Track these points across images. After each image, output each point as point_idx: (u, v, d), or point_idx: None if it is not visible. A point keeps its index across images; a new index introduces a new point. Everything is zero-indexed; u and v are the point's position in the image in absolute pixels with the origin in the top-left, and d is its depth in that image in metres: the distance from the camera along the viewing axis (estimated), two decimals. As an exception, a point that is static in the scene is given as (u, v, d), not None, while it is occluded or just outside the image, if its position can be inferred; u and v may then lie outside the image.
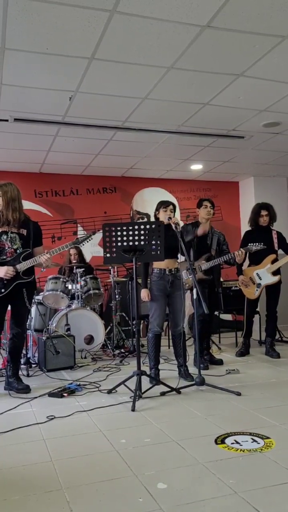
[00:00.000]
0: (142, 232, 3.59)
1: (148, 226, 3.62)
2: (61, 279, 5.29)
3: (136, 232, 3.58)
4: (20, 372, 3.98)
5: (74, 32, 3.09)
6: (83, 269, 5.53)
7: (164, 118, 4.76)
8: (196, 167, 6.73)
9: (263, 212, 5.13)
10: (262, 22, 3.03)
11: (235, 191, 7.83)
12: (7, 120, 4.61)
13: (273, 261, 5.00)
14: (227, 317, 6.65)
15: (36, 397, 3.59)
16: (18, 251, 3.75)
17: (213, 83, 3.95)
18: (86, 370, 4.60)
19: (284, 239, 5.21)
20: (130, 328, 5.90)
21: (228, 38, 3.22)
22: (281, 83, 3.98)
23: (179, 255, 4.12)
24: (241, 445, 2.49)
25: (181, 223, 4.33)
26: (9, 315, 3.88)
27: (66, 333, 4.91)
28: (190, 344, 4.96)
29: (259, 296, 5.11)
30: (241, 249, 4.62)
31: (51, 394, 3.63)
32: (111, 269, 5.77)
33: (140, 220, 7.11)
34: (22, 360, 4.40)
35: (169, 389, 3.59)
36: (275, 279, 4.99)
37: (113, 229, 3.59)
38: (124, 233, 3.58)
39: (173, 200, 7.15)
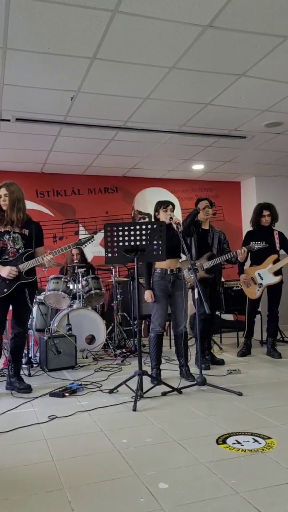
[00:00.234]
0: (143, 232, 3.59)
1: (149, 226, 3.62)
2: (62, 279, 5.30)
3: (138, 232, 3.58)
4: (21, 372, 3.98)
5: (76, 32, 3.09)
6: (85, 269, 5.53)
7: (165, 118, 4.76)
8: (198, 167, 6.73)
9: (265, 212, 5.13)
10: (264, 22, 3.03)
11: (237, 191, 7.82)
12: (9, 120, 4.62)
13: (275, 261, 5.00)
14: (229, 317, 6.65)
15: (37, 397, 3.59)
16: (20, 251, 3.76)
17: (215, 83, 3.95)
18: (87, 370, 4.60)
19: (286, 239, 5.20)
20: (131, 328, 5.90)
21: (230, 38, 3.22)
22: (283, 83, 3.97)
23: (181, 254, 4.12)
24: (242, 445, 2.49)
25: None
26: (10, 315, 3.89)
27: (68, 333, 4.91)
28: (191, 344, 4.96)
29: (261, 296, 5.11)
30: (243, 247, 4.61)
31: (52, 394, 3.63)
32: (113, 269, 5.77)
33: (142, 220, 7.11)
34: (24, 360, 4.42)
35: (170, 389, 3.58)
36: (277, 279, 4.99)
37: (115, 229, 3.59)
38: (126, 233, 3.57)
39: (174, 200, 7.15)
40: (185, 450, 2.45)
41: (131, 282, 5.88)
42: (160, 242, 3.63)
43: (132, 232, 3.57)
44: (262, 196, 7.03)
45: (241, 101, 4.36)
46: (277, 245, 5.09)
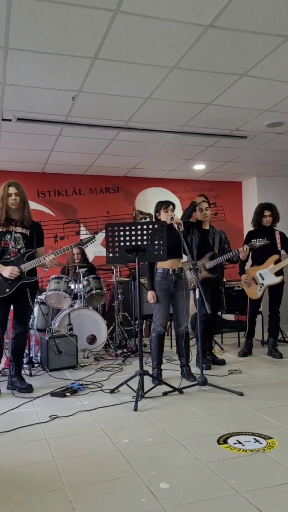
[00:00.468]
0: (145, 232, 3.59)
1: (151, 226, 3.62)
2: (63, 278, 5.30)
3: (139, 232, 3.58)
4: (22, 372, 3.99)
5: (77, 32, 3.09)
6: (86, 268, 5.54)
7: (167, 118, 4.76)
8: (199, 167, 6.73)
9: (266, 213, 5.13)
10: (265, 22, 3.03)
11: (238, 191, 7.82)
12: (10, 120, 4.63)
13: (276, 262, 4.99)
14: (230, 317, 6.64)
15: (38, 397, 3.59)
16: (21, 251, 3.76)
17: (216, 83, 3.95)
18: (88, 369, 4.61)
19: (287, 239, 5.20)
20: (132, 328, 5.90)
21: (231, 38, 3.22)
22: (285, 83, 3.97)
23: (183, 255, 4.12)
24: (243, 445, 2.49)
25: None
26: (11, 315, 3.89)
27: (69, 332, 4.92)
28: (193, 344, 4.96)
29: (262, 296, 5.10)
30: (245, 245, 4.61)
31: (53, 394, 3.64)
32: (114, 269, 5.77)
33: (143, 220, 7.11)
34: (25, 360, 4.42)
35: (171, 389, 3.58)
36: (278, 279, 4.99)
37: (116, 229, 3.59)
38: (127, 233, 3.57)
39: (175, 200, 7.15)
40: (186, 450, 2.45)
41: (132, 282, 5.88)
42: (161, 242, 3.63)
43: (133, 232, 3.58)
44: (263, 196, 7.03)
45: (243, 101, 4.35)
46: (279, 245, 5.09)
